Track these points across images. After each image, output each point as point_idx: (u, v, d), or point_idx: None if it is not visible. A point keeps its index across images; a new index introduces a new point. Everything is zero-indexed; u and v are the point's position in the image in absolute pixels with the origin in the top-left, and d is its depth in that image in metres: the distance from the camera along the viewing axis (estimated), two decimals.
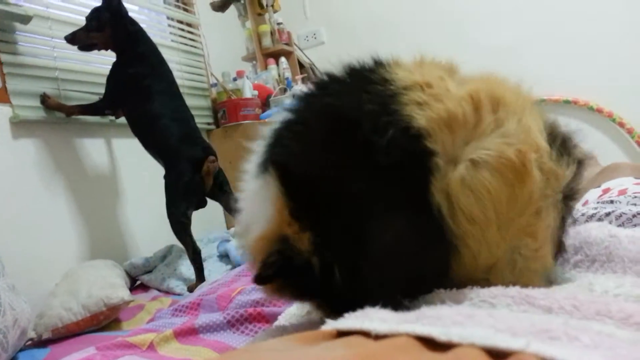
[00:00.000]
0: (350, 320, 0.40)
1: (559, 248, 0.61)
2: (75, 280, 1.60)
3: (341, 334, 0.38)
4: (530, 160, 0.52)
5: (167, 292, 1.85)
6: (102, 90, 1.97)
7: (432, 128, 0.51)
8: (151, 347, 0.89)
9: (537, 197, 0.53)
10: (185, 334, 0.91)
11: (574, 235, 0.73)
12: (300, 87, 2.74)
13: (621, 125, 2.84)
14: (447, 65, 0.62)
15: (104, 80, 1.95)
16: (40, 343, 1.48)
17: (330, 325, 0.40)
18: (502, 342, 0.33)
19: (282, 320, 0.75)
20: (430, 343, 0.35)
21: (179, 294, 1.80)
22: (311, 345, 0.36)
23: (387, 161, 0.49)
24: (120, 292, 1.57)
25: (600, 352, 0.32)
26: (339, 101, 0.55)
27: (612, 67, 2.82)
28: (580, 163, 0.60)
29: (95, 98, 2.02)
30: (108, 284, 1.59)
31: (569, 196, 0.59)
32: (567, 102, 2.92)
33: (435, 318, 0.39)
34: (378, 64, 0.59)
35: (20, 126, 1.79)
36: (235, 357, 0.37)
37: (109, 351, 0.84)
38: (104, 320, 1.58)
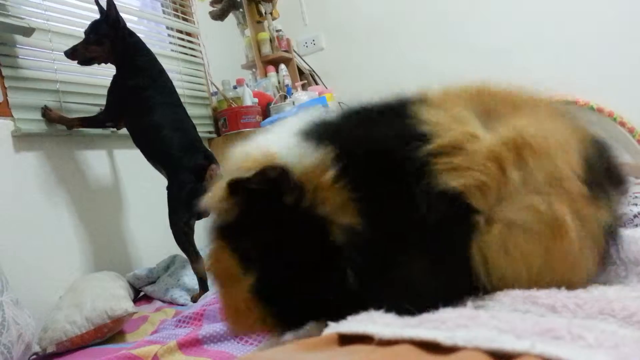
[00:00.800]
0: (354, 324, 0.40)
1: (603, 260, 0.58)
2: (79, 293, 1.60)
3: (343, 338, 0.38)
4: (564, 216, 0.49)
5: (171, 303, 1.84)
6: (104, 102, 1.97)
7: (468, 191, 0.50)
8: (155, 359, 0.89)
9: (574, 252, 0.51)
10: (189, 345, 0.91)
11: None
12: (300, 94, 2.75)
13: (622, 124, 2.83)
14: (476, 94, 0.59)
15: (105, 91, 1.96)
16: (45, 357, 1.48)
17: (333, 328, 0.40)
18: (507, 344, 0.33)
19: None
20: (433, 346, 0.35)
21: (182, 305, 1.79)
22: (312, 352, 0.36)
23: (431, 214, 0.50)
24: (123, 303, 1.57)
25: (604, 350, 0.32)
26: (385, 140, 0.55)
27: (613, 66, 2.81)
28: (623, 185, 0.57)
29: (97, 110, 2.03)
30: (111, 296, 1.59)
31: (615, 226, 0.56)
32: (567, 103, 2.92)
33: (439, 322, 0.39)
34: (410, 103, 0.58)
35: (22, 139, 1.79)
36: None
37: None
38: (108, 332, 1.57)
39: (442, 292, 0.52)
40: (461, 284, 0.53)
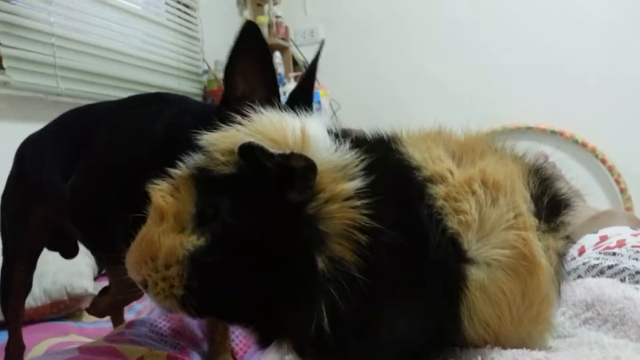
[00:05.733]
0: None
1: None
2: (42, 262, 1.51)
3: None
4: (538, 250, 0.51)
5: None
6: (100, 63, 1.89)
7: (462, 230, 0.50)
8: None
9: (547, 284, 0.52)
10: None
11: (586, 290, 0.71)
12: (293, 86, 2.69)
13: (603, 161, 2.89)
14: (437, 135, 0.60)
15: (102, 52, 1.88)
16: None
17: None
18: None
19: None
20: None
21: None
22: None
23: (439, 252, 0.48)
24: (85, 282, 1.50)
25: None
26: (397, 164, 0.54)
27: (601, 102, 2.86)
28: (568, 208, 0.59)
29: (96, 71, 1.91)
30: (74, 272, 1.52)
31: (564, 251, 0.57)
32: (553, 132, 2.95)
33: None
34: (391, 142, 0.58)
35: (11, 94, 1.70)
36: None
37: (92, 355, 0.78)
38: (65, 309, 1.51)
39: (428, 350, 0.52)
40: (448, 339, 0.52)
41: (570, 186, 1.99)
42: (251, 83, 0.67)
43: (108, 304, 0.93)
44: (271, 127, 0.50)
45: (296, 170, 0.46)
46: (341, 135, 0.52)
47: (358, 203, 0.46)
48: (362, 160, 0.49)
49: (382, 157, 0.51)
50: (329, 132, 0.53)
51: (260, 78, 0.67)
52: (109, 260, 0.85)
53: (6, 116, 1.72)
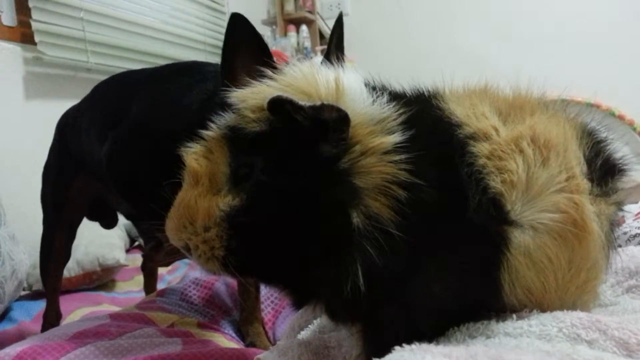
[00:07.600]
0: (407, 354, 0.36)
1: None
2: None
3: None
4: (588, 213, 0.48)
5: None
6: (130, 39, 1.88)
7: (506, 190, 0.47)
8: (172, 327, 0.85)
9: (595, 251, 0.49)
10: (209, 329, 0.87)
11: (629, 257, 0.69)
12: (320, 59, 2.65)
13: None
14: (482, 92, 0.57)
15: (129, 26, 1.85)
16: (35, 296, 1.44)
17: None
18: None
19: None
20: None
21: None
22: None
23: (476, 220, 0.46)
24: (117, 254, 1.53)
25: None
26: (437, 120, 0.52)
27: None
28: (621, 173, 0.56)
29: (123, 45, 1.89)
30: (106, 244, 1.55)
31: (615, 217, 0.54)
32: (589, 104, 2.85)
33: None
34: (433, 98, 0.55)
35: (36, 70, 1.71)
36: None
37: (123, 322, 0.79)
38: (97, 280, 1.54)
39: (463, 314, 0.50)
40: (486, 304, 0.50)
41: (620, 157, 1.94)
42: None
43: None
44: (303, 79, 0.49)
45: (328, 122, 0.45)
46: (379, 89, 0.50)
47: (397, 157, 0.45)
48: (401, 114, 0.47)
49: (421, 112, 0.49)
50: (366, 84, 0.51)
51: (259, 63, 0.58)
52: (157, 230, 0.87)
53: (42, 93, 1.75)
